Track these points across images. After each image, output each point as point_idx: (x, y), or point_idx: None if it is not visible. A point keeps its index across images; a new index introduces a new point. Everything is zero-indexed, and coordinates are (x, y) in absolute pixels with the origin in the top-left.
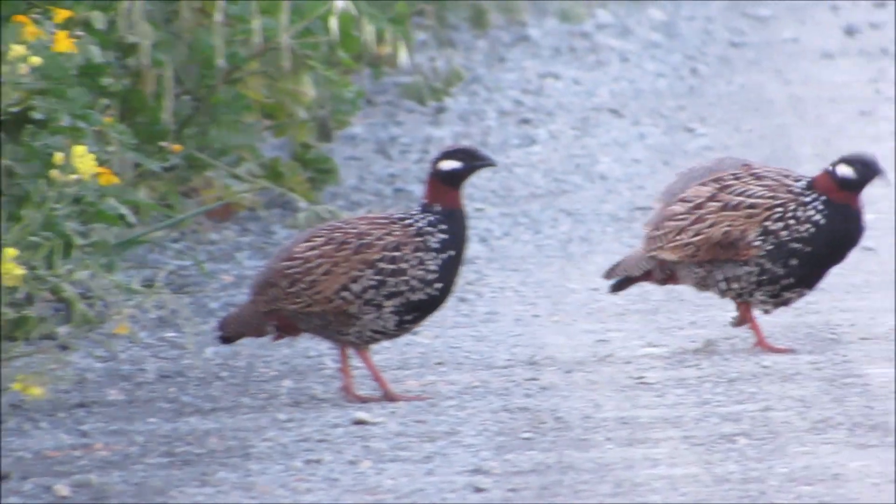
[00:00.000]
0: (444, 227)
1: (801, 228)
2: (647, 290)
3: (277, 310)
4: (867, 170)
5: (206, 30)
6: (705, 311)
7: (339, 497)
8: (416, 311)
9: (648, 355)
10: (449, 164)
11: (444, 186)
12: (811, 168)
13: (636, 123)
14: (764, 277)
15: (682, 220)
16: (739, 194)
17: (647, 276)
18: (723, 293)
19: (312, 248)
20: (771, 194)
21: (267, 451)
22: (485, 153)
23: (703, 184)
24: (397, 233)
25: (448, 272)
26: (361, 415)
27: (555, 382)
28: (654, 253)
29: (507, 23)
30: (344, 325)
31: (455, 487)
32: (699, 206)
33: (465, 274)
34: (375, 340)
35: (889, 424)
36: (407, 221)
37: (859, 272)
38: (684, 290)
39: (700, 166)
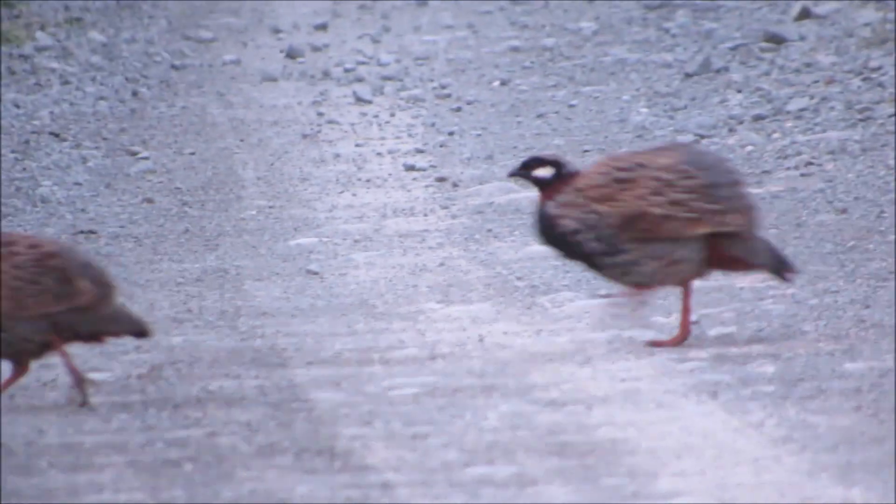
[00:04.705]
0: None
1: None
2: None
3: None
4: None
5: None
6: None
7: None
8: None
9: (93, 380)
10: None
11: None
12: (254, 192)
13: (77, 146)
14: None
15: None
16: None
17: None
18: None
19: None
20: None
21: None
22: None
23: None
24: None
25: None
26: None
27: None
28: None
29: None
30: None
31: None
32: None
33: None
34: None
35: (335, 449)
36: None
37: (305, 297)
38: None
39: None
